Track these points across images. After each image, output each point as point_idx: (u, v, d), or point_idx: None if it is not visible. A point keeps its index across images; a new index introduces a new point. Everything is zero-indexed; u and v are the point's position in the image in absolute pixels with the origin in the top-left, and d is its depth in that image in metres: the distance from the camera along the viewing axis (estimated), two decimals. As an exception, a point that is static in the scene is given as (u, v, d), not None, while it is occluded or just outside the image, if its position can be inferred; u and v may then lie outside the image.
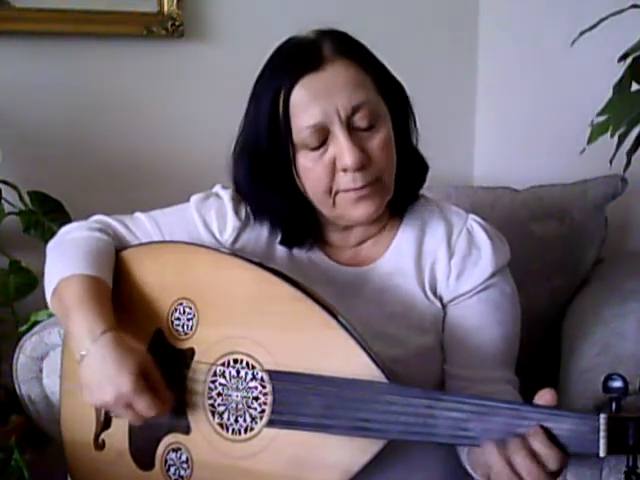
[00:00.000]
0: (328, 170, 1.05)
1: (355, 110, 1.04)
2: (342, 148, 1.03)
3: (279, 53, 1.09)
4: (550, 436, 0.84)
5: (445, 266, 1.12)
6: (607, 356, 1.21)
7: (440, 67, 2.01)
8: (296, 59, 1.06)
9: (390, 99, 1.09)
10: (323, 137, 1.05)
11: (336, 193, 1.07)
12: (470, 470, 1.07)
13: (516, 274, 1.17)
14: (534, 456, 0.83)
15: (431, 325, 1.12)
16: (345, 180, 1.05)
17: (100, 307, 1.04)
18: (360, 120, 1.04)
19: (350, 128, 1.04)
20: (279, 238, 1.16)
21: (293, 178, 1.09)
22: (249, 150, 1.10)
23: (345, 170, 1.04)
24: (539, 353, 1.48)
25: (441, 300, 1.13)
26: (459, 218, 1.15)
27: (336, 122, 1.03)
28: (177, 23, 1.75)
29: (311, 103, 1.03)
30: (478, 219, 1.15)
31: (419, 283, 1.12)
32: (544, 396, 0.86)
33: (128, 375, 0.97)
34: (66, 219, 1.56)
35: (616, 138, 1.08)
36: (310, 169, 1.06)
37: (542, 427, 0.84)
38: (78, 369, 1.02)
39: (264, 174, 1.10)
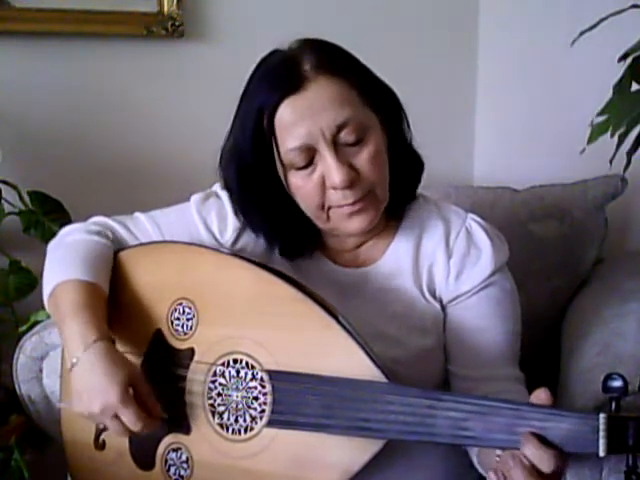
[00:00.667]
0: (318, 188, 1.05)
1: (340, 128, 1.02)
2: (329, 167, 1.03)
3: (262, 69, 1.08)
4: (543, 439, 0.84)
5: (444, 267, 1.12)
6: (607, 356, 1.21)
7: (440, 67, 2.01)
8: (277, 79, 1.04)
9: (379, 107, 1.08)
10: (310, 156, 1.04)
11: (329, 208, 1.06)
12: (482, 471, 1.07)
13: (516, 274, 1.17)
14: (530, 465, 0.84)
15: (432, 326, 1.12)
16: (336, 197, 1.05)
17: (93, 315, 1.03)
18: (347, 136, 1.03)
19: (337, 145, 1.03)
20: (278, 252, 1.15)
21: (285, 192, 1.08)
22: (236, 163, 1.10)
23: (335, 188, 1.04)
24: (539, 353, 1.48)
25: (441, 301, 1.13)
26: (458, 217, 1.15)
27: (321, 142, 1.02)
28: (177, 23, 1.75)
29: (295, 124, 1.02)
30: (477, 218, 1.15)
31: (416, 283, 1.12)
32: (539, 396, 0.87)
33: (116, 385, 0.97)
34: (66, 219, 1.56)
35: (616, 138, 1.08)
36: (300, 187, 1.06)
37: (533, 433, 0.84)
38: (69, 376, 1.02)
39: (254, 189, 1.09)
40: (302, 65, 1.04)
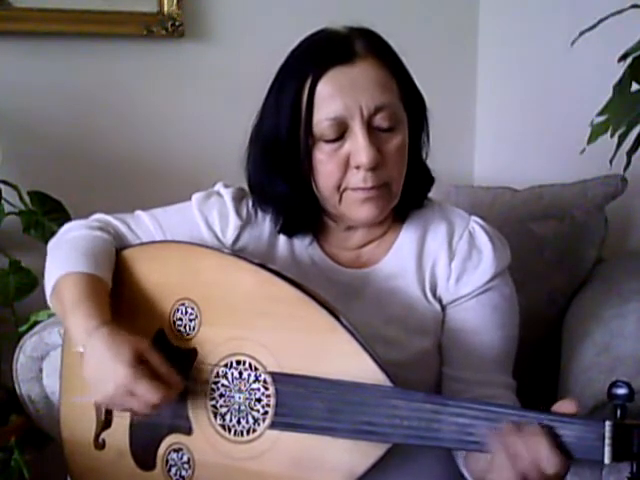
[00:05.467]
0: (341, 165, 1.05)
1: (377, 110, 1.04)
2: (359, 145, 1.03)
3: (309, 42, 1.09)
4: (555, 442, 0.84)
5: (445, 268, 1.12)
6: (607, 356, 1.21)
7: (440, 67, 2.01)
8: (327, 50, 1.06)
9: (410, 108, 1.09)
10: (341, 131, 1.04)
11: (344, 190, 1.07)
12: (467, 475, 1.07)
13: (516, 274, 1.17)
14: (536, 459, 0.83)
15: (431, 328, 1.12)
16: (356, 178, 1.05)
17: (95, 303, 1.04)
18: (381, 120, 1.04)
19: (370, 127, 1.04)
20: (279, 227, 1.15)
21: (304, 171, 1.08)
22: (265, 138, 1.10)
23: (358, 167, 1.04)
24: (539, 353, 1.48)
25: (440, 302, 1.13)
26: (461, 220, 1.15)
27: (357, 119, 1.03)
28: (177, 23, 1.75)
29: (335, 96, 1.03)
30: (480, 221, 1.15)
31: (420, 284, 1.12)
32: (563, 404, 0.87)
33: (123, 364, 0.96)
34: (66, 219, 1.56)
35: (616, 138, 1.08)
36: (323, 162, 1.06)
37: (547, 431, 0.84)
38: (83, 379, 1.01)
39: (277, 162, 1.09)
40: (354, 43, 1.05)
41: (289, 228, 1.15)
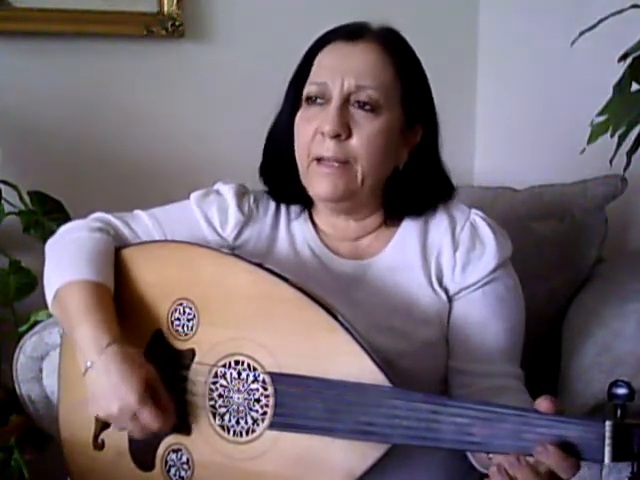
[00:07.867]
0: (312, 131, 1.09)
1: (359, 88, 1.08)
2: (328, 114, 1.08)
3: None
4: (565, 447, 0.84)
5: (450, 258, 1.13)
6: (607, 356, 1.21)
7: (440, 67, 2.00)
8: (339, 28, 1.13)
9: (413, 112, 1.12)
10: (322, 98, 1.10)
11: (312, 161, 1.10)
12: (479, 467, 1.07)
13: (516, 274, 1.17)
14: (549, 472, 0.84)
15: (435, 318, 1.12)
16: (319, 146, 1.09)
17: (104, 317, 1.04)
18: (359, 97, 1.08)
19: (347, 102, 1.08)
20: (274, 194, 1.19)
21: (290, 131, 1.13)
22: (279, 115, 1.17)
23: (323, 135, 1.08)
24: (539, 353, 1.48)
25: (447, 292, 1.13)
26: (461, 212, 1.16)
27: (336, 90, 1.08)
28: (177, 23, 1.75)
29: (327, 66, 1.10)
30: (480, 213, 1.16)
31: (426, 275, 1.13)
32: (540, 404, 0.86)
33: (134, 388, 0.97)
34: (66, 219, 1.56)
35: (616, 138, 1.08)
36: (300, 126, 1.12)
37: (556, 443, 0.84)
38: (82, 379, 1.02)
39: (280, 135, 1.15)
40: (367, 29, 1.13)
41: (279, 194, 1.19)
